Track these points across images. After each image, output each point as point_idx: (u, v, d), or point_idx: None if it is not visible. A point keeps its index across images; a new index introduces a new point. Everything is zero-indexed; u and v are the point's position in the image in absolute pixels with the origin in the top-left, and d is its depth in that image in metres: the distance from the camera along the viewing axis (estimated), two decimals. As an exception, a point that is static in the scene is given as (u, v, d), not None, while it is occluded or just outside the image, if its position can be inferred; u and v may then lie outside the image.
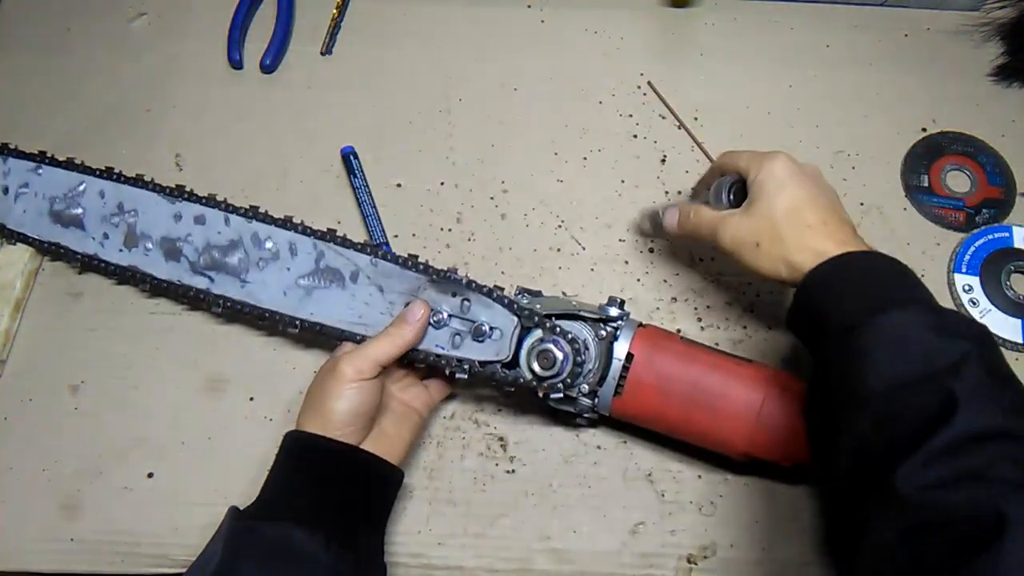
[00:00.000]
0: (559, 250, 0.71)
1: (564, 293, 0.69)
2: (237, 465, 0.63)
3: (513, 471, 0.63)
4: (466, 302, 0.58)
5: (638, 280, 0.70)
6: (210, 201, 0.64)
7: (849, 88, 0.79)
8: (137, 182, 0.66)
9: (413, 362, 0.60)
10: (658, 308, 0.69)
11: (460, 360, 0.58)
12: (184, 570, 0.59)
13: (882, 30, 0.82)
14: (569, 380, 0.56)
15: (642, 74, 0.80)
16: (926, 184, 0.74)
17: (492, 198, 0.74)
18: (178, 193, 0.65)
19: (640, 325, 0.59)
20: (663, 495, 0.62)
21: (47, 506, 0.62)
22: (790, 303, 0.55)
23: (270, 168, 0.75)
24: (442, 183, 0.74)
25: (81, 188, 0.67)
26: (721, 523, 0.61)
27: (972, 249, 0.71)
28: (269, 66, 0.79)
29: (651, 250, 0.72)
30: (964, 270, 0.70)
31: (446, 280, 0.59)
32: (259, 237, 0.63)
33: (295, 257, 0.62)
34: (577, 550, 0.61)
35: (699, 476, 0.63)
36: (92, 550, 0.60)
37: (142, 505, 0.62)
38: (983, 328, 0.46)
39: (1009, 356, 0.67)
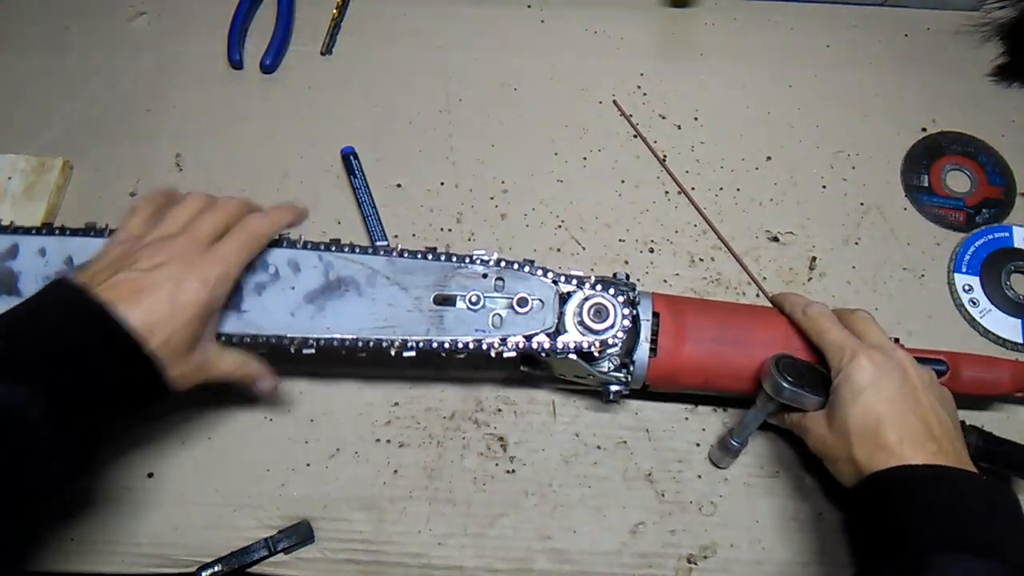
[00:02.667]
0: (559, 250, 0.71)
1: (564, 293, 0.69)
2: (237, 465, 0.63)
3: (513, 471, 0.63)
4: (499, 280, 0.57)
5: (638, 280, 0.70)
6: None
7: (849, 88, 0.79)
8: (89, 232, 0.58)
9: (453, 353, 0.56)
10: (658, 308, 0.69)
11: (504, 339, 0.56)
12: (184, 570, 0.59)
13: (882, 30, 0.82)
14: (621, 334, 0.56)
15: (642, 74, 0.80)
16: (926, 184, 0.74)
17: (492, 198, 0.74)
18: None
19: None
20: (663, 495, 0.62)
21: (47, 506, 0.61)
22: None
23: (270, 168, 0.75)
24: (442, 183, 0.74)
25: (12, 249, 0.57)
26: (721, 523, 0.61)
27: (972, 249, 0.71)
28: (269, 66, 0.79)
29: (651, 250, 0.72)
30: (964, 270, 0.70)
31: (474, 263, 0.57)
32: (252, 261, 0.56)
33: (298, 274, 0.57)
34: (577, 550, 0.61)
35: (699, 476, 0.63)
36: (92, 550, 0.60)
37: (142, 505, 0.61)
38: None
39: (1009, 356, 0.67)
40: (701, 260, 0.71)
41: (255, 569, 0.59)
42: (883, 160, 0.76)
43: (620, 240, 0.72)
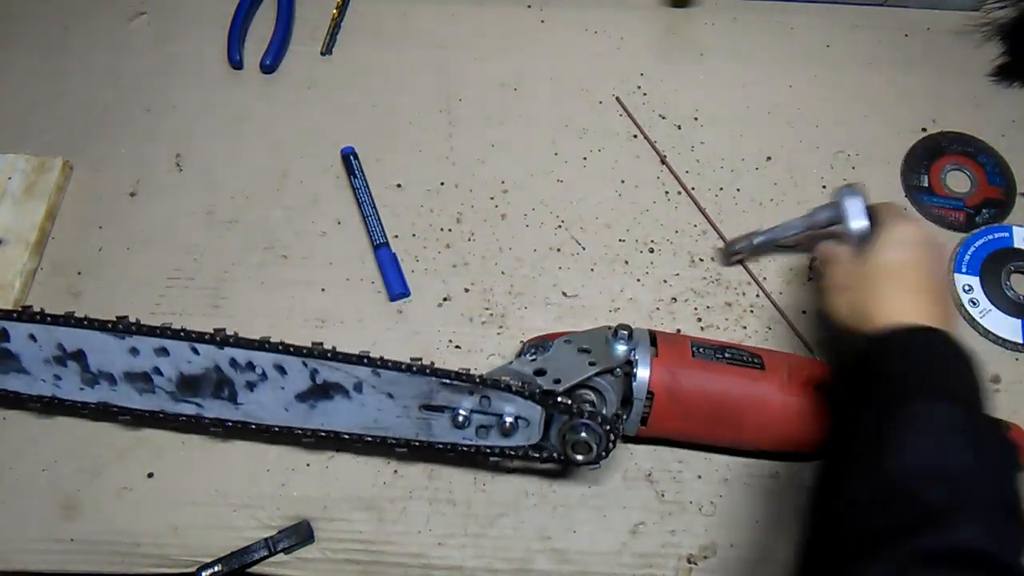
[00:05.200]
0: (559, 250, 0.71)
1: (564, 293, 0.69)
2: (237, 465, 0.63)
3: (513, 471, 0.63)
4: (485, 398, 0.56)
5: (638, 280, 0.70)
6: (165, 332, 0.57)
7: (849, 88, 0.79)
8: (69, 320, 0.58)
9: (443, 453, 0.59)
10: (658, 308, 0.69)
11: (491, 447, 0.57)
12: (184, 570, 0.59)
13: (882, 30, 0.82)
14: (604, 453, 0.56)
15: (642, 74, 0.80)
16: (926, 184, 0.74)
17: (492, 198, 0.74)
18: (124, 328, 0.58)
19: (652, 342, 0.58)
20: (663, 495, 0.62)
21: (47, 506, 0.62)
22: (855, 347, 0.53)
23: (270, 168, 0.75)
24: (442, 183, 0.74)
25: (3, 332, 0.59)
26: (721, 523, 0.61)
27: (972, 249, 0.71)
28: (269, 66, 0.79)
29: (651, 250, 0.72)
30: (964, 270, 0.70)
31: (460, 379, 0.56)
32: (238, 361, 0.57)
33: (286, 375, 0.57)
34: (577, 550, 0.61)
35: (699, 476, 0.63)
36: (92, 550, 0.60)
37: (142, 505, 0.61)
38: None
39: (1009, 356, 0.67)
40: (701, 260, 0.71)
41: (255, 569, 0.59)
42: (883, 160, 0.76)
43: (620, 240, 0.72)
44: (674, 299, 0.69)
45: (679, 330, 0.68)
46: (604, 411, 0.56)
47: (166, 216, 0.72)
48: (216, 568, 0.58)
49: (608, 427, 0.55)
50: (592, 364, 0.56)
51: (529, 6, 0.84)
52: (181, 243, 0.71)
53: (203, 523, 0.61)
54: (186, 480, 0.62)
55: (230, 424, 0.59)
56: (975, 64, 0.80)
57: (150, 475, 0.63)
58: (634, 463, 0.63)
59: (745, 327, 0.68)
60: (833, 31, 0.82)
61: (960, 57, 0.81)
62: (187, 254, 0.71)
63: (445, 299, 0.69)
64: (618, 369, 0.57)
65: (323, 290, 0.69)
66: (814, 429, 0.58)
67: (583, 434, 0.54)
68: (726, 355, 0.58)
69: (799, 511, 0.61)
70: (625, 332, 0.57)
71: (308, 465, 0.63)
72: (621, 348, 0.57)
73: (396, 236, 0.72)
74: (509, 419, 0.56)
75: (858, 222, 0.60)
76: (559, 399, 0.54)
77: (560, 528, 0.61)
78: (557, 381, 0.55)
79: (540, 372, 0.56)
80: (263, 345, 0.57)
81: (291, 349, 0.57)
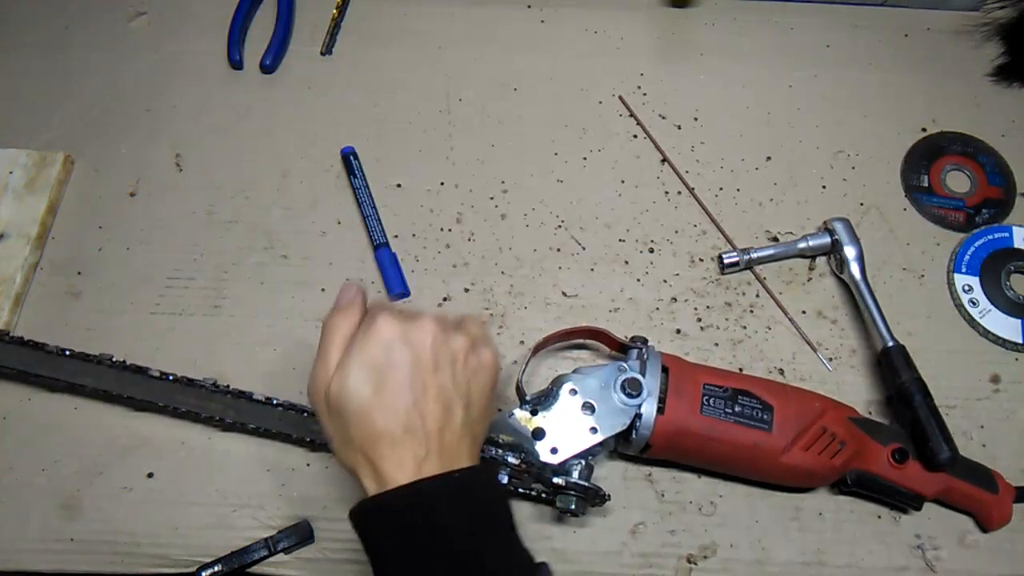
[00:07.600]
0: (559, 250, 0.71)
1: (564, 293, 0.69)
2: (237, 465, 0.63)
3: (513, 471, 0.63)
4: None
5: (638, 280, 0.70)
6: (150, 373, 0.61)
7: (849, 88, 0.79)
8: (50, 351, 0.62)
9: None
10: (658, 308, 0.69)
11: None
12: (184, 570, 0.59)
13: (882, 30, 0.82)
14: (587, 511, 0.57)
15: (642, 74, 0.80)
16: (926, 184, 0.74)
17: (492, 198, 0.74)
18: (109, 365, 0.61)
19: (662, 385, 0.57)
20: (663, 495, 0.62)
21: (47, 506, 0.62)
22: None
23: (270, 168, 0.75)
24: (442, 183, 0.74)
25: None
26: (721, 523, 0.61)
27: (972, 249, 0.71)
28: (269, 66, 0.79)
29: (651, 250, 0.72)
30: (964, 270, 0.70)
31: None
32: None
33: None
34: (577, 550, 0.61)
35: (699, 476, 0.63)
36: (92, 550, 0.60)
37: (142, 505, 0.61)
38: None
39: (1009, 356, 0.68)
40: (701, 260, 0.71)
41: (255, 569, 0.59)
42: (883, 160, 0.76)
43: (620, 240, 0.72)
44: (674, 299, 0.69)
45: (678, 330, 0.68)
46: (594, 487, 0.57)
47: (166, 216, 0.73)
48: (216, 568, 0.58)
49: (596, 495, 0.56)
50: (594, 430, 0.56)
51: (529, 6, 0.84)
52: (181, 243, 0.71)
53: (203, 523, 0.61)
54: (186, 480, 0.62)
55: (232, 421, 0.61)
56: (975, 64, 0.80)
57: (150, 475, 0.63)
58: (634, 463, 0.63)
59: (745, 327, 0.68)
60: (833, 31, 0.82)
61: (960, 57, 0.81)
62: (187, 254, 0.71)
63: (445, 299, 0.69)
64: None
65: (323, 290, 0.69)
66: (812, 481, 0.60)
67: (573, 505, 0.56)
68: (736, 409, 0.57)
69: (799, 511, 0.62)
70: (634, 392, 0.56)
71: (308, 465, 0.63)
72: (626, 405, 0.56)
73: (396, 236, 0.72)
74: (504, 478, 0.57)
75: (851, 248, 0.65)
76: (553, 479, 0.55)
77: (560, 528, 0.61)
78: (554, 451, 0.55)
79: (539, 432, 0.56)
80: (254, 399, 0.59)
81: (283, 405, 0.58)
